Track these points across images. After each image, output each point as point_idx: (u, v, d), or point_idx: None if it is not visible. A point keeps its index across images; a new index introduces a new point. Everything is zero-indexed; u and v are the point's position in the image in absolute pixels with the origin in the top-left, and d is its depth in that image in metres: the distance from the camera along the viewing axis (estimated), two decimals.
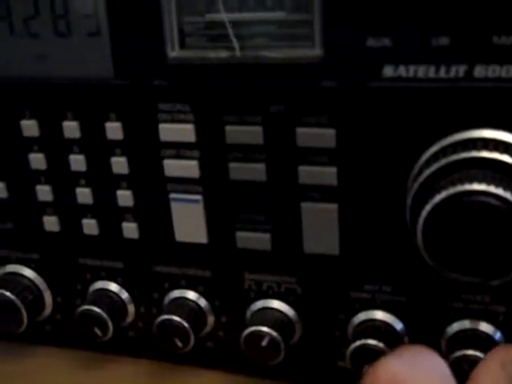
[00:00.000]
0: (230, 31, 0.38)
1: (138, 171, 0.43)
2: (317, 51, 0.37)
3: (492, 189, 0.33)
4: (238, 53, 0.39)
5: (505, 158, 0.34)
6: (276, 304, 0.45)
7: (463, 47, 0.34)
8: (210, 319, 0.47)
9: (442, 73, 0.35)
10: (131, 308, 0.49)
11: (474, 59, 0.34)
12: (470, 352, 0.40)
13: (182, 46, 0.40)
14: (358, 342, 0.41)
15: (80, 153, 0.44)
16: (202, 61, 0.39)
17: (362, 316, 0.43)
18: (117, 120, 0.42)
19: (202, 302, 0.46)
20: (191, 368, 0.49)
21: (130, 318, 0.49)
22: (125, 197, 0.44)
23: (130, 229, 0.45)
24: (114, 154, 0.43)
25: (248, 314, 0.46)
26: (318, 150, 0.39)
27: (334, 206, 0.40)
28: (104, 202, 0.45)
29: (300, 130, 0.39)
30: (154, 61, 0.40)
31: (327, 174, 0.39)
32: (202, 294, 0.46)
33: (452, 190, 0.33)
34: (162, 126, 0.41)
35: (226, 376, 0.48)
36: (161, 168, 0.43)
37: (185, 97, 0.40)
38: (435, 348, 0.41)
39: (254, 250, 0.43)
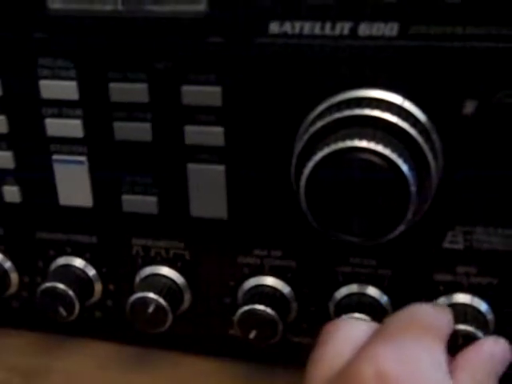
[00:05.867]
0: None
1: (19, 131, 0.41)
2: (202, 6, 0.36)
3: (372, 146, 0.33)
4: (121, 6, 0.37)
5: (386, 116, 0.34)
6: (164, 270, 0.43)
7: (348, 4, 0.34)
8: (98, 287, 0.45)
9: (328, 30, 0.35)
10: (14, 277, 0.46)
11: (358, 16, 0.34)
12: (357, 315, 0.40)
13: None
14: (246, 307, 0.41)
15: None
16: (84, 13, 0.38)
17: (251, 282, 0.43)
18: None
19: (89, 270, 0.45)
20: (79, 339, 0.48)
21: (13, 289, 0.47)
22: (5, 158, 0.42)
23: (12, 192, 0.43)
24: None
25: (137, 281, 0.44)
26: (204, 109, 0.38)
27: (221, 168, 0.39)
28: None
29: (185, 88, 0.38)
30: (33, 12, 0.38)
31: (214, 134, 0.38)
32: (88, 261, 0.45)
33: (333, 147, 0.33)
34: (43, 83, 0.39)
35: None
36: (43, 127, 0.41)
37: (67, 51, 0.39)
38: (324, 313, 0.41)
39: (141, 214, 0.42)
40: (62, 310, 0.44)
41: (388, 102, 0.35)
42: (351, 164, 0.33)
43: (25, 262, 0.46)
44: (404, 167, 0.33)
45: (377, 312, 0.40)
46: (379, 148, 0.32)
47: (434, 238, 0.38)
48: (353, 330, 0.34)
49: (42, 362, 0.47)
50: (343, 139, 0.33)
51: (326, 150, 0.33)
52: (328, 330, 0.34)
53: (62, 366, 0.46)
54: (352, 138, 0.33)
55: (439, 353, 0.32)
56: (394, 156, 0.32)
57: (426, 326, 0.33)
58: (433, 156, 0.34)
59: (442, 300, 0.40)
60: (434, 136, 0.35)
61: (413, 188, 0.33)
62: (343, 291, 0.41)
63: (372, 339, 0.32)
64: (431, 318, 0.34)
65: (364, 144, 0.33)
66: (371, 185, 0.33)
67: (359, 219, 0.34)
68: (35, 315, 0.47)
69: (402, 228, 0.34)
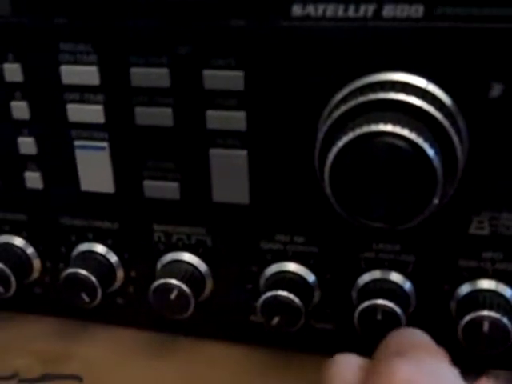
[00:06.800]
0: None
1: (40, 116, 0.41)
2: None
3: (398, 130, 0.32)
4: None
5: (412, 99, 0.33)
6: (186, 257, 0.43)
7: None
8: (120, 274, 0.45)
9: (351, 12, 0.34)
10: (37, 263, 0.47)
11: None
12: (380, 302, 0.39)
13: None
14: (269, 293, 0.41)
15: None
16: None
17: (273, 268, 0.42)
18: (16, 61, 0.40)
19: (111, 256, 0.45)
20: (101, 325, 0.48)
21: (35, 274, 0.47)
22: (27, 144, 0.42)
23: (33, 179, 0.43)
24: (14, 98, 0.41)
25: (158, 267, 0.44)
26: (226, 93, 0.38)
27: (243, 153, 0.39)
28: (4, 150, 0.43)
29: (207, 72, 0.37)
30: None
31: (236, 119, 0.38)
32: (110, 247, 0.45)
33: (358, 131, 0.33)
34: (64, 68, 0.39)
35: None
36: (64, 113, 0.41)
37: (87, 36, 0.38)
38: (347, 299, 0.41)
39: (163, 200, 0.42)
40: (84, 296, 0.44)
41: (413, 86, 0.34)
42: (376, 149, 0.32)
43: (47, 248, 0.46)
44: (430, 152, 0.32)
45: (400, 298, 0.40)
46: (405, 132, 0.32)
47: (460, 223, 0.38)
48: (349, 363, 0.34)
49: (63, 348, 0.47)
50: (368, 123, 0.33)
51: (351, 135, 0.33)
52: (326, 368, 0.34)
53: (84, 352, 0.46)
54: (377, 122, 0.32)
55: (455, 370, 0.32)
56: (419, 140, 0.32)
57: (433, 345, 0.34)
58: (459, 140, 0.34)
59: (466, 286, 0.39)
60: (460, 120, 0.35)
61: (439, 172, 0.32)
62: (366, 277, 0.41)
63: (382, 357, 0.33)
64: (428, 339, 0.35)
65: (389, 128, 0.32)
66: (396, 169, 0.33)
67: (384, 204, 0.34)
68: (57, 301, 0.47)
69: (427, 213, 0.34)
